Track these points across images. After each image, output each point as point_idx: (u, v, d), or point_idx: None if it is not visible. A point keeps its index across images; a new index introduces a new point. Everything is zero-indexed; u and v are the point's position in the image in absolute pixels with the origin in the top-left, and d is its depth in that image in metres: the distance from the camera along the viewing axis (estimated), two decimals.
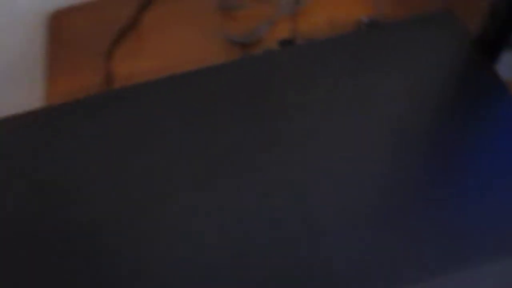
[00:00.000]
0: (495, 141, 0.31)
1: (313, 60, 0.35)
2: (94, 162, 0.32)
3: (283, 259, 0.27)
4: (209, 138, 0.32)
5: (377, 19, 0.40)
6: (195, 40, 0.49)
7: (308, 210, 0.28)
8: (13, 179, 0.32)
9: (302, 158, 0.30)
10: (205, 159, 0.31)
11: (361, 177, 0.29)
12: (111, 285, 0.27)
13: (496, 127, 0.31)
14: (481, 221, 0.27)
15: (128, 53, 0.48)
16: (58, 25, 0.52)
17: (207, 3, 0.52)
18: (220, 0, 0.50)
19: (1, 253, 0.29)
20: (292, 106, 0.33)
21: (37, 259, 0.29)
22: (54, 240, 0.29)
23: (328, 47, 0.35)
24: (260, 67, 0.35)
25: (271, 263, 0.27)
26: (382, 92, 0.33)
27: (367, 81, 0.34)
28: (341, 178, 0.29)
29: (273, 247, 0.27)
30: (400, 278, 0.26)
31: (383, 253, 0.27)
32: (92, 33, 0.51)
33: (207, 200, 0.29)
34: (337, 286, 0.26)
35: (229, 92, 0.34)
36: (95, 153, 0.33)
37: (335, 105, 0.33)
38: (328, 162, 0.30)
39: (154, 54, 0.48)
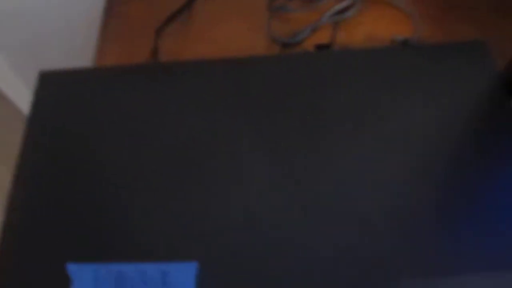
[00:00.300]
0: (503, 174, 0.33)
1: (343, 66, 0.37)
2: (138, 122, 0.36)
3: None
4: (236, 120, 0.35)
5: (411, 39, 0.42)
6: (241, 33, 0.52)
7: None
8: (63, 127, 0.36)
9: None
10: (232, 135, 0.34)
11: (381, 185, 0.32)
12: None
13: (504, 156, 0.33)
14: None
15: (177, 35, 0.52)
16: None
17: (258, 2, 0.55)
18: (270, 1, 0.53)
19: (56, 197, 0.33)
20: (315, 104, 0.36)
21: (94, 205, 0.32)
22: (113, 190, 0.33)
23: (359, 57, 0.38)
24: (294, 65, 0.38)
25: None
26: (400, 107, 0.35)
27: (389, 95, 0.36)
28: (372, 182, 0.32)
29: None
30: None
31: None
32: (147, 11, 0.55)
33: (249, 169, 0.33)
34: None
35: (263, 82, 0.37)
36: (139, 113, 0.36)
37: (355, 111, 0.35)
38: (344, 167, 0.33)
39: (200, 39, 0.52)
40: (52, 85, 0.39)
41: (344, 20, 0.51)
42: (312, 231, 0.30)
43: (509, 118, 0.35)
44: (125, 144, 0.35)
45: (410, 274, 0.28)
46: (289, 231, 0.30)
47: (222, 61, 0.39)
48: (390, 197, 0.31)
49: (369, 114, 0.35)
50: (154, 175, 0.33)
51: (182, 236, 0.30)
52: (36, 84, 0.39)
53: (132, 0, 0.56)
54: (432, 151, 0.33)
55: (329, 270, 0.28)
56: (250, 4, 0.55)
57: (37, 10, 0.68)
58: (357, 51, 0.38)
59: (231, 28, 0.53)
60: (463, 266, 0.28)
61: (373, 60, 0.38)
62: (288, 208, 0.31)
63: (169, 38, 0.52)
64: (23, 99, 1.20)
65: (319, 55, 0.38)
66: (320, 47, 0.41)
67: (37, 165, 0.34)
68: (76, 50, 0.71)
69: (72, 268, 0.29)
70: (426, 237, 0.30)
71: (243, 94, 0.37)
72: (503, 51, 0.44)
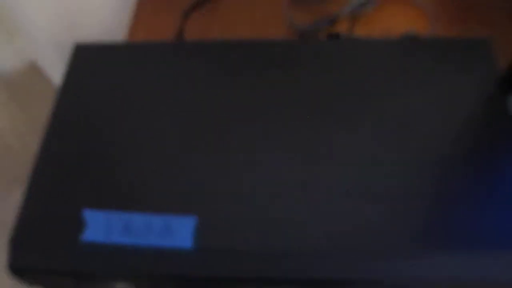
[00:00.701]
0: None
1: (349, 55, 0.40)
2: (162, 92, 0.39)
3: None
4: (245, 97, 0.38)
5: (420, 35, 0.44)
6: (263, 20, 0.55)
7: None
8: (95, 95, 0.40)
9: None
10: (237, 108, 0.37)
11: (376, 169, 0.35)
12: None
13: (498, 150, 0.35)
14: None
15: (203, 19, 0.55)
16: None
17: None
18: None
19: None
20: (318, 88, 0.38)
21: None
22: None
23: (365, 47, 0.40)
24: (304, 51, 0.41)
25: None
26: (400, 96, 0.38)
27: (392, 84, 0.38)
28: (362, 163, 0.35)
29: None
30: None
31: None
32: None
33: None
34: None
35: (274, 64, 0.40)
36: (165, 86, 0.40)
37: (356, 97, 0.38)
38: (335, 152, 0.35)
39: (224, 24, 0.55)
40: (86, 57, 0.42)
41: (362, 14, 0.53)
42: (311, 199, 0.33)
43: (503, 115, 0.36)
44: (145, 111, 0.38)
45: (407, 245, 0.31)
46: (288, 198, 0.33)
47: (239, 43, 0.42)
48: (391, 175, 0.34)
49: (369, 101, 0.38)
50: (167, 139, 0.36)
51: (185, 192, 0.34)
52: (71, 56, 0.43)
53: None
54: (430, 138, 0.35)
55: (326, 227, 0.31)
56: None
57: None
58: (364, 42, 0.41)
59: (254, 14, 0.56)
60: (457, 243, 0.31)
61: (379, 51, 0.41)
62: (289, 176, 0.34)
63: (195, 21, 0.56)
64: (57, 71, 1.26)
65: (328, 44, 0.41)
66: (330, 36, 0.44)
67: (65, 124, 0.38)
68: (110, 25, 0.75)
69: (87, 213, 0.33)
70: (422, 212, 0.32)
71: (253, 73, 0.40)
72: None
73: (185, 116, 0.38)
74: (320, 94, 0.38)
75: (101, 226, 0.33)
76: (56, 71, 1.37)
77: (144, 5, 0.58)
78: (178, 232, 0.32)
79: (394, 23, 0.52)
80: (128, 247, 0.32)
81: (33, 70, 1.54)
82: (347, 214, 0.32)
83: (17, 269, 0.32)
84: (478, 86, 0.38)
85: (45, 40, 1.15)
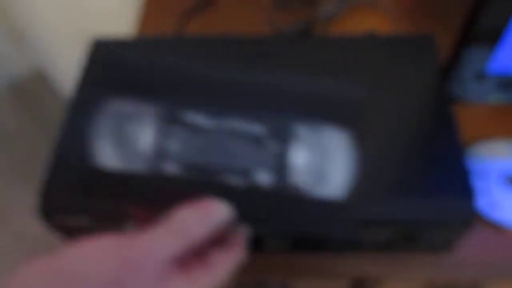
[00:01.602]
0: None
1: (317, 49, 0.49)
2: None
3: None
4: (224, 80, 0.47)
5: (377, 33, 0.53)
6: (253, 21, 0.64)
7: None
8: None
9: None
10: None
11: None
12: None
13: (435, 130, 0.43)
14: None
15: (201, 20, 0.64)
16: None
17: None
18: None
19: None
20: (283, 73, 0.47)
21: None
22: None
23: (329, 43, 0.49)
24: (279, 45, 0.49)
25: None
26: (355, 83, 0.46)
27: (347, 74, 0.47)
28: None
29: None
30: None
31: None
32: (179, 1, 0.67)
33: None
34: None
35: (254, 56, 0.49)
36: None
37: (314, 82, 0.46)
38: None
39: (219, 25, 0.64)
40: (103, 51, 0.51)
41: (336, 17, 0.62)
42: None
43: (443, 98, 0.45)
44: (153, 94, 0.47)
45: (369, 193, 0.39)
46: None
47: (230, 38, 0.51)
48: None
49: (333, 87, 0.46)
50: (173, 113, 0.45)
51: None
52: (90, 50, 0.51)
53: None
54: (386, 118, 0.43)
55: None
56: (260, 1, 0.67)
57: None
58: (332, 39, 0.50)
59: (245, 19, 0.65)
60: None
61: (344, 47, 0.49)
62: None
63: (194, 22, 0.65)
64: (65, 79, 1.35)
65: (301, 40, 0.50)
66: (304, 35, 0.53)
67: (87, 100, 0.46)
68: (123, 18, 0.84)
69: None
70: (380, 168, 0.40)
71: (239, 60, 0.48)
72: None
73: (186, 96, 0.46)
74: (289, 79, 0.47)
75: None
76: (64, 78, 1.47)
77: (149, 11, 0.67)
78: None
79: (363, 25, 0.62)
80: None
81: (41, 78, 1.64)
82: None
83: (46, 211, 0.40)
84: (423, 74, 0.47)
85: (53, 48, 1.25)
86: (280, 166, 0.28)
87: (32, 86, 1.64)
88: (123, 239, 0.26)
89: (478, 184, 0.50)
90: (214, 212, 0.26)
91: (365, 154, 0.41)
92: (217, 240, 0.28)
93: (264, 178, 0.27)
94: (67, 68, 1.21)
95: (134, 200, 0.28)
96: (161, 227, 0.26)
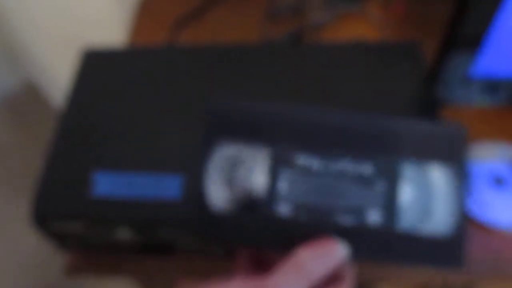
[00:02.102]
0: None
1: (307, 56, 0.50)
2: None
3: None
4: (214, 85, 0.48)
5: (366, 40, 0.54)
6: (244, 31, 0.65)
7: None
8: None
9: None
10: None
11: None
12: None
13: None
14: None
15: (192, 31, 0.65)
16: None
17: (259, 9, 0.68)
18: (267, 9, 0.66)
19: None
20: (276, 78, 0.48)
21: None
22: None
23: (319, 50, 0.50)
24: (272, 52, 0.50)
25: None
26: (344, 87, 0.47)
27: (337, 79, 0.48)
28: None
29: None
30: None
31: None
32: (171, 9, 0.68)
33: None
34: None
35: (247, 63, 0.50)
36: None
37: (309, 88, 0.47)
38: None
39: (209, 35, 0.65)
40: (95, 61, 0.52)
41: (325, 26, 0.63)
42: None
43: (430, 106, 0.46)
44: (144, 100, 0.47)
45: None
46: None
47: (221, 47, 0.51)
48: None
49: (322, 89, 0.47)
50: (163, 117, 0.45)
51: (174, 156, 0.42)
52: (80, 61, 0.52)
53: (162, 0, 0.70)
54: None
55: None
56: (253, 11, 0.68)
57: None
58: (322, 46, 0.51)
59: (235, 27, 0.66)
60: None
61: (333, 53, 0.50)
62: None
63: (186, 31, 0.66)
64: (56, 92, 1.34)
65: (292, 48, 0.51)
66: (295, 42, 0.54)
67: (79, 107, 0.47)
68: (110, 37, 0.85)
69: (97, 175, 0.42)
70: None
71: (232, 70, 0.49)
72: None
73: (175, 101, 0.47)
74: (282, 85, 0.48)
75: (108, 183, 0.41)
76: (54, 92, 1.46)
77: (141, 21, 0.68)
78: (168, 186, 0.41)
79: (351, 32, 0.63)
80: (129, 199, 0.40)
81: (32, 91, 1.64)
82: None
83: (40, 217, 0.41)
84: (409, 79, 0.48)
85: (44, 59, 1.25)
86: (389, 205, 0.29)
87: (24, 98, 1.64)
88: (253, 282, 0.27)
89: None
90: (334, 251, 0.27)
91: None
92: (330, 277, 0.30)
93: (374, 217, 0.29)
94: (59, 79, 1.21)
95: (249, 241, 0.29)
96: (286, 267, 0.27)
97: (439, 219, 0.28)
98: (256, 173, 0.29)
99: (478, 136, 0.55)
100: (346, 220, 0.28)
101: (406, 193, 0.28)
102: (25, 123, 1.59)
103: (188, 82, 0.49)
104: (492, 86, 0.51)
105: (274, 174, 0.29)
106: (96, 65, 0.51)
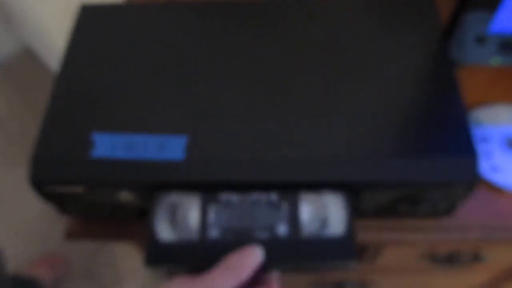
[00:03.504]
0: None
1: (314, 12, 0.47)
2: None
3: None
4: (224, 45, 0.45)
5: None
6: None
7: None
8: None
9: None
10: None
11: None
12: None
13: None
14: None
15: None
16: None
17: None
18: None
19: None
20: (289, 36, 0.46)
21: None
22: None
23: (329, 5, 0.47)
24: (271, 7, 0.48)
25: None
26: (356, 46, 0.45)
27: (350, 35, 0.45)
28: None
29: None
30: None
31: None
32: None
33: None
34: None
35: (248, 19, 0.47)
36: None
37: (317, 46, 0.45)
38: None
39: None
40: (92, 17, 0.49)
41: None
42: (286, 120, 0.40)
43: (445, 58, 0.44)
44: (145, 56, 0.45)
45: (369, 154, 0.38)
46: (266, 120, 0.40)
47: (223, 3, 0.49)
48: (356, 103, 0.41)
49: (333, 49, 0.45)
50: (161, 76, 0.43)
51: (177, 117, 0.40)
52: (77, 17, 0.49)
53: None
54: (388, 76, 0.42)
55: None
56: None
57: None
58: (327, 1, 0.48)
59: None
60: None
61: (342, 7, 0.48)
62: (267, 102, 0.41)
63: None
64: (53, 56, 1.31)
65: (297, 3, 0.48)
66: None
67: (76, 65, 0.45)
68: None
69: (96, 135, 0.40)
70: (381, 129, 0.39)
71: (236, 26, 0.47)
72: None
73: (176, 59, 0.44)
74: (293, 41, 0.45)
75: (107, 145, 0.39)
76: (51, 55, 1.43)
77: None
78: (171, 148, 0.39)
79: None
80: (130, 161, 0.39)
81: (29, 55, 1.60)
82: (318, 127, 0.39)
83: (37, 181, 0.39)
84: (425, 36, 0.45)
85: (40, 25, 1.21)
86: (293, 220, 0.38)
87: (21, 63, 1.60)
88: (191, 281, 0.35)
89: (479, 148, 0.49)
90: (254, 252, 0.36)
91: (371, 117, 0.40)
92: (255, 283, 0.38)
93: (282, 230, 0.38)
94: (56, 43, 1.18)
95: (189, 261, 0.37)
96: (219, 267, 0.35)
97: (334, 226, 0.38)
98: (191, 211, 0.39)
99: (492, 98, 0.52)
100: (262, 235, 0.37)
101: (305, 211, 0.38)
102: (23, 88, 1.56)
103: (189, 39, 0.46)
104: (508, 44, 0.48)
105: (204, 210, 0.39)
106: (93, 21, 0.49)
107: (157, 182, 0.38)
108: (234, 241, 0.37)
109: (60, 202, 0.42)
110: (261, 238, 0.37)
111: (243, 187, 0.38)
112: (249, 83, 0.42)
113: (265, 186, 0.38)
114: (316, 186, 0.38)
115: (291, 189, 0.39)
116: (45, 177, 0.39)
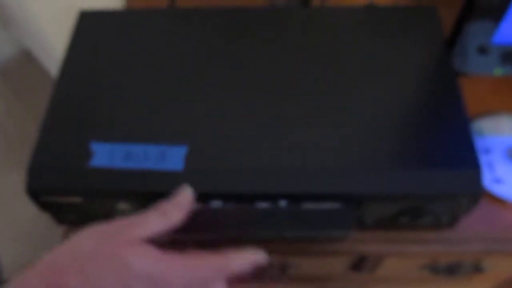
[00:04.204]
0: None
1: (317, 19, 0.47)
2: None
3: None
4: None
5: (377, 3, 0.50)
6: None
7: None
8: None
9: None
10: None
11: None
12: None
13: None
14: None
15: None
16: None
17: None
18: None
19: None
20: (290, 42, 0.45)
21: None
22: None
23: (330, 12, 0.47)
24: (279, 15, 0.47)
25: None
26: (360, 53, 0.44)
27: (353, 44, 0.45)
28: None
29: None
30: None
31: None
32: None
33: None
34: None
35: (253, 25, 0.47)
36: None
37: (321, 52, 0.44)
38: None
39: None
40: (90, 23, 0.48)
41: None
42: (287, 128, 0.39)
43: (447, 68, 0.43)
44: (143, 64, 0.44)
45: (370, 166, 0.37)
46: (270, 129, 0.39)
47: (224, 9, 0.48)
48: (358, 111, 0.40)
49: (337, 55, 0.44)
50: (161, 86, 0.43)
51: (177, 127, 0.40)
52: (76, 23, 0.48)
53: None
54: (390, 84, 0.42)
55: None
56: None
57: None
58: (332, 9, 0.47)
59: None
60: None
61: (346, 17, 0.47)
62: (267, 110, 0.40)
63: None
64: (51, 59, 1.30)
65: (298, 9, 0.48)
66: (302, 4, 0.51)
67: (75, 73, 0.44)
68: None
69: (95, 145, 0.39)
70: (382, 139, 0.39)
71: (237, 33, 0.46)
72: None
73: (176, 66, 0.44)
74: (294, 50, 0.45)
75: (106, 155, 0.39)
76: (50, 59, 1.42)
77: None
78: (171, 158, 0.38)
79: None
80: (129, 170, 0.38)
81: (28, 58, 1.59)
82: (320, 138, 0.39)
83: (34, 190, 0.38)
84: (428, 45, 0.45)
85: (39, 27, 1.19)
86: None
87: (19, 67, 1.60)
88: (118, 222, 0.34)
89: (481, 159, 0.48)
90: (185, 196, 0.36)
91: (373, 128, 0.39)
92: None
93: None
94: (55, 46, 1.17)
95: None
96: (150, 211, 0.34)
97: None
98: None
99: (494, 108, 0.52)
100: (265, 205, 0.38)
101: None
102: (21, 91, 1.55)
103: (189, 46, 0.45)
104: (511, 55, 0.48)
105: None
106: (92, 27, 0.48)
107: (156, 192, 0.38)
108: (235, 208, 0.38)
109: (57, 212, 0.42)
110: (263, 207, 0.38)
111: (244, 198, 0.38)
112: (250, 92, 0.42)
113: (266, 198, 0.38)
114: (318, 198, 0.38)
115: (292, 200, 0.38)
116: (41, 187, 0.38)
